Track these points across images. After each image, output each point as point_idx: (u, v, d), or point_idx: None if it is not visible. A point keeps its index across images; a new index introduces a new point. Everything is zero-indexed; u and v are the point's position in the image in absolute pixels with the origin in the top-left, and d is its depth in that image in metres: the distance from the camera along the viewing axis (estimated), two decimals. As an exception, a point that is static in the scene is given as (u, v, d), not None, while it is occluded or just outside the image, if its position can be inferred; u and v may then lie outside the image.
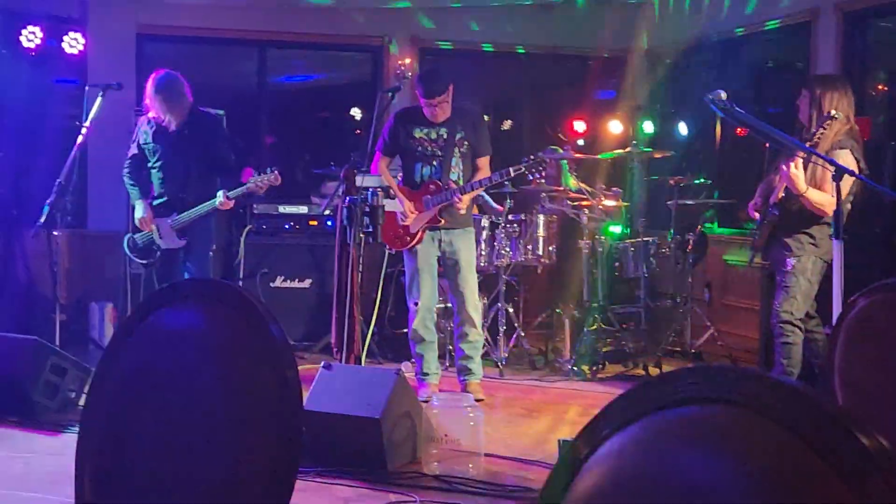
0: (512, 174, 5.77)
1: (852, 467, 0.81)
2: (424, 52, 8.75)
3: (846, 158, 4.92)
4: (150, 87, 5.87)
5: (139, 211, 5.97)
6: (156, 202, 5.98)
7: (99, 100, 5.88)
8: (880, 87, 7.19)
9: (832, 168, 4.44)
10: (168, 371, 1.77)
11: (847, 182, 4.81)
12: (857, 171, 4.84)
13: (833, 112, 4.87)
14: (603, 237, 6.87)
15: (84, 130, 5.90)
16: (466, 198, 5.74)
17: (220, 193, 5.85)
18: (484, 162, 5.87)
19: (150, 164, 6.01)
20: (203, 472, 1.67)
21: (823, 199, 4.93)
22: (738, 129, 7.76)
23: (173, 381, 1.75)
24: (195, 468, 1.68)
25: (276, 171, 5.87)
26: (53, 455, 4.61)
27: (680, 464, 0.91)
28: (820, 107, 5.02)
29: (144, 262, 6.05)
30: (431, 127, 5.77)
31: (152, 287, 6.00)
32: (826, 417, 0.83)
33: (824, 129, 4.86)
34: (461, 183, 5.77)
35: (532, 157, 5.89)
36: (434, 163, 5.78)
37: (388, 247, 5.96)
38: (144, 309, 1.87)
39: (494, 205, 6.84)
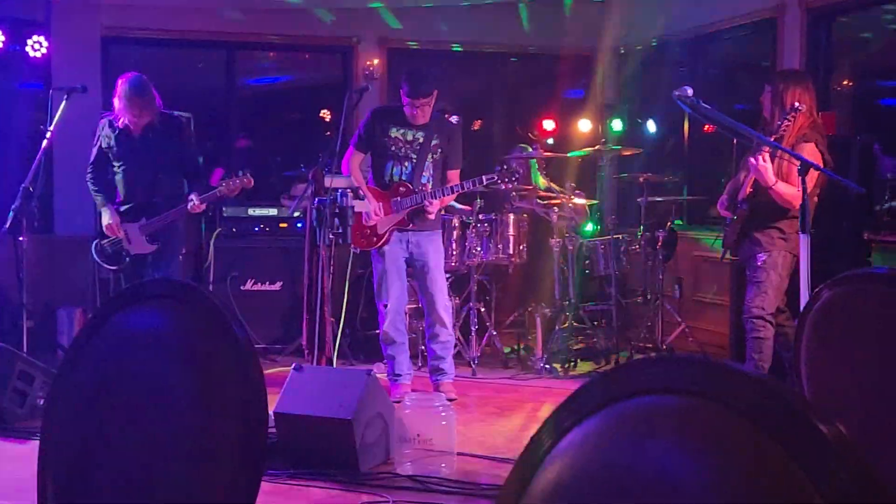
0: (485, 182, 5.79)
1: (811, 455, 0.81)
2: (393, 52, 8.74)
3: (811, 151, 4.96)
4: (121, 88, 5.77)
5: (106, 217, 5.88)
6: (122, 207, 5.90)
7: (63, 103, 5.80)
8: (845, 82, 7.26)
9: (798, 162, 4.47)
10: (130, 373, 1.75)
11: (813, 175, 4.85)
12: (822, 165, 4.88)
13: (797, 105, 4.90)
14: (574, 235, 6.87)
15: (49, 134, 5.82)
16: (438, 203, 5.73)
17: (192, 196, 5.79)
18: (454, 175, 5.87)
19: (114, 169, 5.93)
20: (167, 474, 1.65)
21: (791, 193, 4.96)
22: (706, 126, 7.80)
23: (136, 384, 1.73)
24: (159, 471, 1.66)
25: (247, 174, 5.81)
26: (22, 462, 4.55)
27: (639, 454, 0.90)
28: (783, 101, 5.06)
29: (114, 268, 5.96)
30: (408, 128, 5.75)
31: (122, 293, 5.90)
32: (784, 405, 0.82)
33: (788, 121, 4.89)
34: (430, 187, 5.76)
35: (504, 166, 5.91)
36: (406, 164, 5.76)
37: (353, 247, 5.90)
38: (106, 311, 1.85)
39: (461, 207, 6.83)
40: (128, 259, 5.88)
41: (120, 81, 5.81)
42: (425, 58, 8.96)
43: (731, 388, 0.86)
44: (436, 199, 5.67)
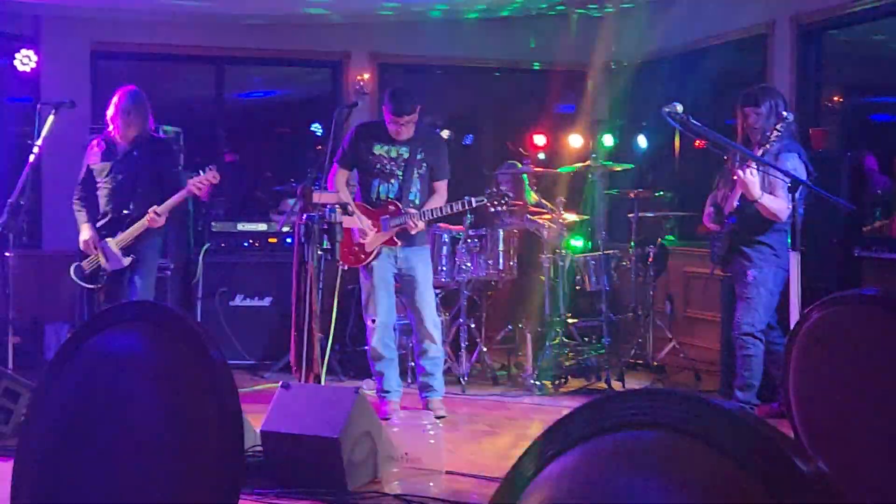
0: (474, 205, 5.78)
1: (792, 496, 0.78)
2: (383, 67, 8.72)
3: (794, 162, 5.00)
4: (119, 99, 5.78)
5: (84, 234, 5.82)
6: (100, 222, 5.84)
7: (51, 118, 5.77)
8: (835, 97, 7.27)
9: (786, 178, 4.48)
10: (108, 395, 1.72)
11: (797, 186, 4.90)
12: (806, 175, 4.93)
13: (785, 114, 4.98)
14: (564, 251, 6.85)
15: (36, 149, 5.79)
16: (422, 223, 5.71)
17: (151, 209, 5.69)
18: (441, 185, 5.85)
19: (97, 184, 5.88)
20: (143, 498, 1.62)
21: (777, 205, 4.98)
22: (697, 142, 7.80)
23: (113, 406, 1.70)
24: (135, 494, 1.63)
25: (213, 169, 5.73)
26: (5, 482, 4.49)
27: (618, 490, 0.87)
28: (778, 114, 5.11)
29: (93, 287, 5.89)
30: (392, 144, 5.73)
31: (102, 310, 5.82)
32: (767, 444, 0.80)
33: (779, 131, 4.94)
34: (417, 202, 5.74)
35: (495, 189, 5.90)
36: (392, 181, 5.73)
37: (341, 263, 5.86)
38: (84, 332, 1.82)
39: (452, 229, 6.80)
40: (105, 277, 5.81)
41: (118, 93, 5.81)
42: (416, 73, 8.95)
43: (713, 426, 0.83)
44: (421, 220, 5.65)
